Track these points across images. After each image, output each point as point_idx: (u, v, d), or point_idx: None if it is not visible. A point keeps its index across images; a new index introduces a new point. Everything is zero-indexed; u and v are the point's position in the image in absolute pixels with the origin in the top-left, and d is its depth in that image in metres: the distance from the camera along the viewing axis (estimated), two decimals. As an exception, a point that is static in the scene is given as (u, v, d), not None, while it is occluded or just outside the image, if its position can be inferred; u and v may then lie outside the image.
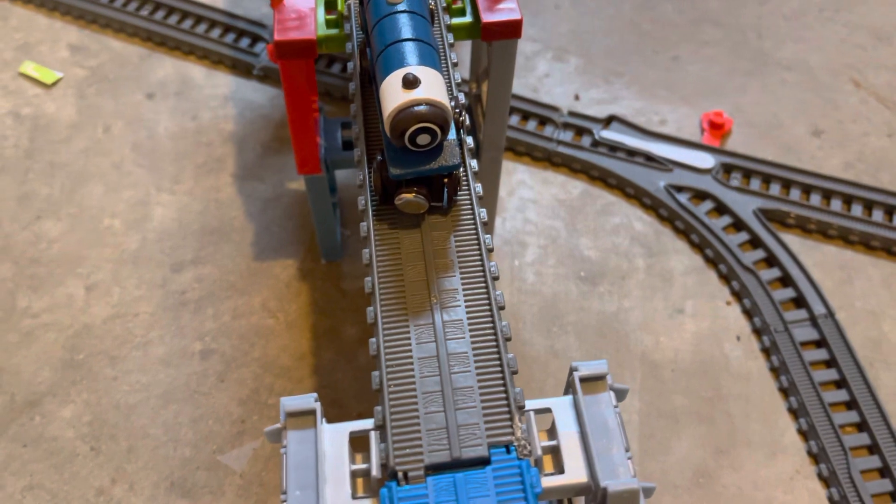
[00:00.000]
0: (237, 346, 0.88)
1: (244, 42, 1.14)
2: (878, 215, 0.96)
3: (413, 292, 0.53)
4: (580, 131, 1.05)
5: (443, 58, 0.65)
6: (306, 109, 0.73)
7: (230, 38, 1.14)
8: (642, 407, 0.84)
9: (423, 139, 0.51)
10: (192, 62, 1.14)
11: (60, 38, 1.16)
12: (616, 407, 0.49)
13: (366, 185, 0.58)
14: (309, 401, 0.49)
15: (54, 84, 1.11)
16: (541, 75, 1.13)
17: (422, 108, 0.50)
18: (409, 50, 0.52)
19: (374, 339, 0.51)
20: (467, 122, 0.60)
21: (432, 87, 0.50)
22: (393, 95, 0.50)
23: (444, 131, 0.51)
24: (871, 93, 1.11)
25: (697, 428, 0.82)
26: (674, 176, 1.00)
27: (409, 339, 0.51)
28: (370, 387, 0.87)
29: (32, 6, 1.20)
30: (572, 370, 0.50)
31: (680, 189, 0.99)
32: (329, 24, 0.70)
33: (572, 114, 1.07)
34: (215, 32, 1.14)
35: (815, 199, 0.98)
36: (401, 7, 0.55)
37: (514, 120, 1.06)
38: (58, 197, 0.99)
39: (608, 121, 1.06)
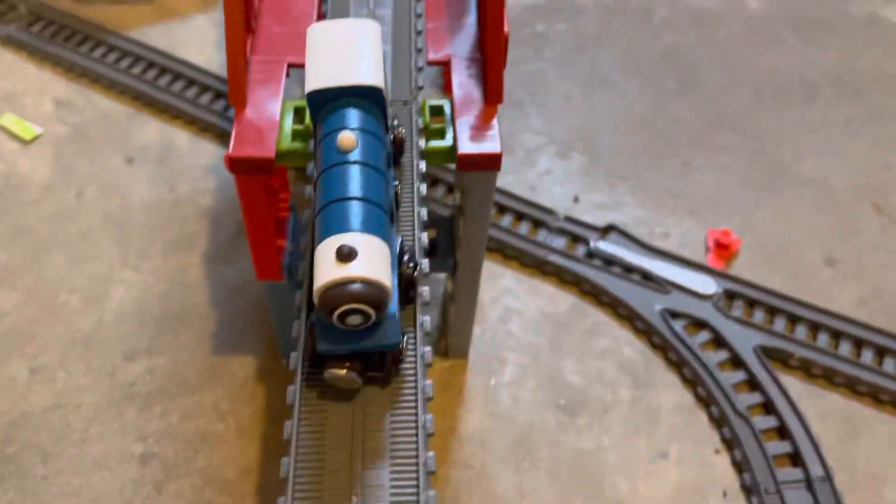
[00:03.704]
0: (180, 452, 0.81)
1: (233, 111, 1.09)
2: (889, 365, 0.88)
3: (332, 485, 0.46)
4: (575, 239, 0.98)
5: (408, 194, 0.59)
6: (265, 223, 0.67)
7: (220, 105, 1.09)
8: (611, 565, 0.76)
9: (355, 320, 0.44)
10: (178, 127, 1.09)
11: (47, 91, 1.12)
12: None
13: (300, 342, 0.52)
14: None
15: (32, 140, 1.06)
16: (541, 172, 1.07)
17: (356, 286, 0.43)
18: (353, 212, 0.46)
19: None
20: (422, 275, 0.54)
21: (371, 262, 0.44)
22: (324, 267, 0.44)
23: (380, 311, 0.45)
24: (893, 220, 1.04)
25: None
26: (671, 299, 0.93)
27: (319, 548, 0.44)
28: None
29: (24, 53, 1.16)
30: None
31: (676, 315, 0.92)
32: (296, 135, 0.64)
33: (569, 219, 1.00)
34: (205, 98, 1.09)
35: (823, 340, 0.90)
36: (352, 157, 0.48)
37: (507, 221, 0.99)
38: (16, 265, 0.94)
39: (606, 230, 0.99)
